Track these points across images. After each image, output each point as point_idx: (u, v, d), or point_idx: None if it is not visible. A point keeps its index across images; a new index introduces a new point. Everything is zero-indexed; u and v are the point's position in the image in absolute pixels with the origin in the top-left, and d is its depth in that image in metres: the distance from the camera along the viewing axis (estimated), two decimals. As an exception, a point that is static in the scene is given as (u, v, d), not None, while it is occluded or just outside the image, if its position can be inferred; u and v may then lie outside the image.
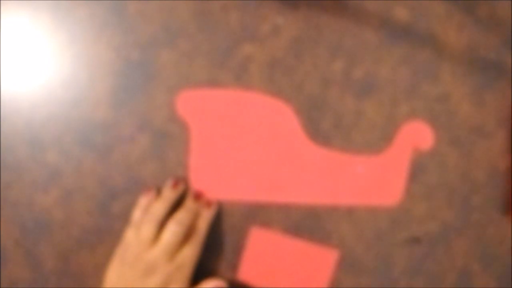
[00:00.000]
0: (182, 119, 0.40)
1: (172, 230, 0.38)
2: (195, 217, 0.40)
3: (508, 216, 0.45)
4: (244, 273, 0.42)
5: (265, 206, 0.42)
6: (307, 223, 0.43)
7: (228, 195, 0.41)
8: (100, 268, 0.42)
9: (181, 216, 0.39)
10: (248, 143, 0.41)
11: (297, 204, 0.42)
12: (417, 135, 0.43)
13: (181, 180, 0.41)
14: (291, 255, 0.43)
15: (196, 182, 0.41)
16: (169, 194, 0.40)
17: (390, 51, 0.42)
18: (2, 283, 0.41)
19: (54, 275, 0.41)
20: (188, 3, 0.39)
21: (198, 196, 0.41)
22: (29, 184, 0.40)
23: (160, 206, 0.39)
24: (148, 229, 0.38)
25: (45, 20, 0.39)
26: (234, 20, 0.40)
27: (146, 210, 0.39)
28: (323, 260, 0.43)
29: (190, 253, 0.38)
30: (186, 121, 0.40)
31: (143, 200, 0.40)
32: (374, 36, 0.41)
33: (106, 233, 0.41)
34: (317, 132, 0.42)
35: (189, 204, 0.40)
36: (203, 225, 0.40)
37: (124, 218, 0.41)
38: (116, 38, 0.39)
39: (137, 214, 0.39)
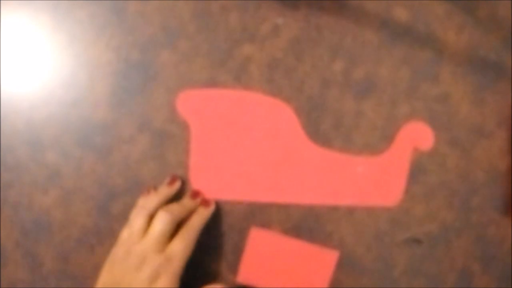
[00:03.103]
0: (182, 119, 0.40)
1: (161, 218, 0.37)
2: (190, 213, 0.39)
3: (508, 216, 0.45)
4: (244, 273, 0.42)
5: (265, 206, 0.42)
6: (307, 224, 0.43)
7: (228, 195, 0.41)
8: (100, 269, 0.42)
9: (172, 207, 0.38)
10: (248, 143, 0.41)
11: (297, 205, 0.42)
12: (417, 136, 0.43)
13: (178, 179, 0.41)
14: (291, 255, 0.43)
15: (196, 182, 0.41)
16: (163, 190, 0.39)
17: (390, 51, 0.42)
18: (2, 284, 0.41)
19: (54, 275, 0.41)
20: (188, 4, 0.39)
21: (195, 195, 0.41)
22: (29, 184, 0.40)
23: (152, 199, 0.38)
24: (138, 221, 0.37)
25: (45, 20, 0.39)
26: (234, 21, 0.40)
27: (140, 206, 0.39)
28: (323, 260, 0.43)
29: (180, 247, 0.37)
30: (186, 121, 0.40)
31: (141, 201, 0.40)
32: (374, 37, 0.41)
33: (105, 233, 0.41)
34: (317, 132, 0.42)
35: (185, 200, 0.40)
36: (197, 221, 0.39)
37: (123, 219, 0.41)
38: (116, 39, 0.39)
39: (134, 214, 0.39)
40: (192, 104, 0.40)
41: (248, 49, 0.40)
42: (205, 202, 0.40)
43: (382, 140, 0.43)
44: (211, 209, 0.40)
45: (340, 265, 0.44)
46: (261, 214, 0.42)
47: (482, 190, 0.44)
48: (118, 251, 0.37)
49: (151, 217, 0.38)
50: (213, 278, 0.43)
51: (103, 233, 0.41)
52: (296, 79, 0.41)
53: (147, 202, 0.38)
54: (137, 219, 0.37)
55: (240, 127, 0.41)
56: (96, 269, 0.41)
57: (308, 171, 0.42)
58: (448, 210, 0.44)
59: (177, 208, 0.38)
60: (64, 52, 0.39)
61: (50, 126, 0.40)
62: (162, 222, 0.37)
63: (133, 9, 0.39)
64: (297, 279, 0.43)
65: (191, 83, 0.40)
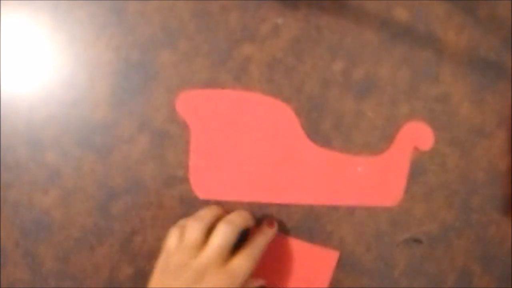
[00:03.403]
0: (182, 119, 0.40)
1: (223, 230, 0.35)
2: (246, 225, 0.39)
3: (508, 216, 0.45)
4: (244, 274, 0.42)
5: (265, 206, 0.42)
6: (307, 224, 0.43)
7: (228, 195, 0.41)
8: (100, 269, 0.42)
9: (233, 217, 0.37)
10: (248, 143, 0.41)
11: (297, 205, 0.42)
12: (417, 136, 0.43)
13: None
14: (291, 255, 0.43)
15: (196, 182, 0.41)
16: (217, 207, 0.40)
17: (390, 51, 0.42)
18: (2, 284, 0.41)
19: (53, 275, 0.41)
20: (187, 4, 0.39)
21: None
22: (29, 184, 0.40)
23: (207, 212, 0.38)
24: (193, 232, 0.36)
25: (45, 20, 0.39)
26: (234, 21, 0.40)
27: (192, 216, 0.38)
28: (323, 260, 0.43)
29: (243, 264, 0.35)
30: (186, 121, 0.40)
31: (200, 212, 0.39)
32: (374, 36, 0.41)
33: (105, 233, 0.41)
34: (317, 132, 0.42)
35: (242, 212, 0.39)
36: (262, 240, 0.38)
37: (123, 219, 0.41)
38: (116, 38, 0.39)
39: (182, 220, 0.38)
40: (192, 104, 0.40)
41: (248, 49, 0.40)
42: (269, 223, 0.40)
43: (382, 140, 0.43)
44: (274, 229, 0.40)
45: (340, 265, 0.44)
46: (261, 214, 0.42)
47: (482, 190, 0.44)
48: (170, 261, 0.35)
49: (207, 229, 0.36)
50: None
51: (103, 233, 0.41)
52: (296, 79, 0.41)
53: (201, 213, 0.38)
54: (191, 230, 0.36)
55: (240, 127, 0.41)
56: (96, 269, 0.41)
57: (308, 171, 0.42)
58: (448, 210, 0.44)
59: (237, 219, 0.37)
60: (64, 52, 0.39)
61: (50, 126, 0.40)
62: (224, 234, 0.35)
63: (133, 9, 0.39)
64: (297, 279, 0.43)
65: (191, 83, 0.40)
